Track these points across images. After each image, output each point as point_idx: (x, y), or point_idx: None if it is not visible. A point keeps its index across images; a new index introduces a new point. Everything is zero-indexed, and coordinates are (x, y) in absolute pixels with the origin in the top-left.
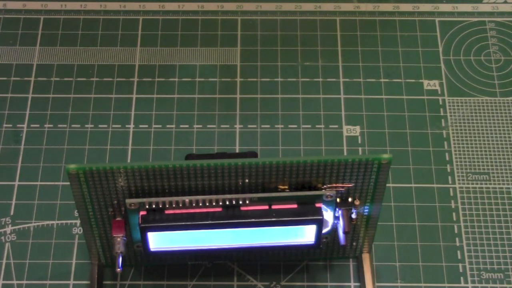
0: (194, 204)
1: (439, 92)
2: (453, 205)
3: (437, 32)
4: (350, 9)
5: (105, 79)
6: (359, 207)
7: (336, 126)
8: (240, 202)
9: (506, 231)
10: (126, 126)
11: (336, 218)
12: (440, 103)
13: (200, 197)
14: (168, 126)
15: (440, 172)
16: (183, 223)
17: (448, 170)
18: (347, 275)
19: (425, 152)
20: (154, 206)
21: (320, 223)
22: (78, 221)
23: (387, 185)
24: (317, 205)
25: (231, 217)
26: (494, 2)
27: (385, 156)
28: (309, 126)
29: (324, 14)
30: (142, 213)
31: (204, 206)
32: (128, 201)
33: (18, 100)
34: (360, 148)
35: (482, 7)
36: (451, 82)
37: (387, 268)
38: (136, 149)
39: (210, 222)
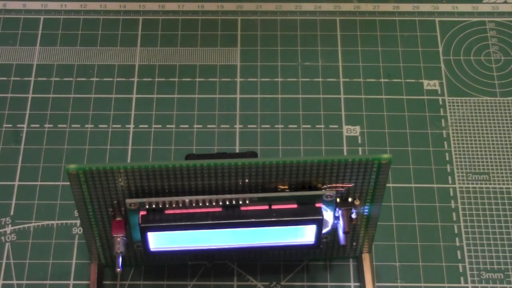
0: (194, 204)
1: (439, 92)
2: (453, 205)
3: (437, 32)
4: (350, 9)
5: (105, 79)
6: (359, 207)
7: (336, 126)
8: (240, 202)
9: (506, 231)
10: (126, 126)
11: (336, 218)
12: (440, 103)
13: (200, 197)
14: (168, 126)
15: (440, 172)
16: (183, 223)
17: (448, 170)
18: (347, 275)
19: (425, 152)
20: (154, 206)
21: (320, 223)
22: (78, 221)
23: (387, 185)
24: (317, 205)
25: (231, 217)
26: (494, 2)
27: (385, 156)
28: (309, 126)
29: (324, 14)
30: (142, 213)
31: (204, 206)
32: (128, 201)
33: (18, 100)
34: (360, 148)
35: (482, 7)
36: (451, 82)
37: (387, 268)
38: (136, 149)
39: (210, 222)
